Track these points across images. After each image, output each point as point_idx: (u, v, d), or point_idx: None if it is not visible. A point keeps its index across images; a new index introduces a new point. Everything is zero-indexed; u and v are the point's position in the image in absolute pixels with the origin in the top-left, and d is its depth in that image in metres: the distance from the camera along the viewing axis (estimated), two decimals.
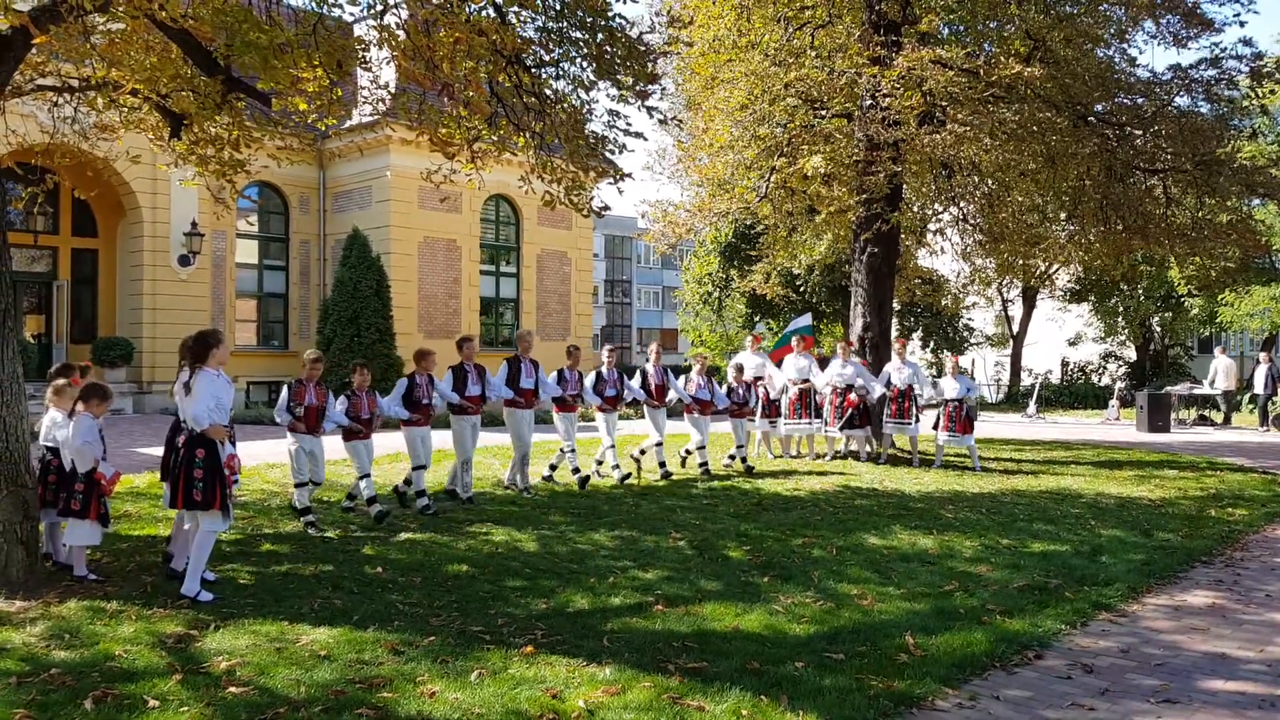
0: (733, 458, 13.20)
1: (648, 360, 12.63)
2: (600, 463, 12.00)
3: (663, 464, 12.27)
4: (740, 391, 13.13)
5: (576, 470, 11.30)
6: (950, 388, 13.34)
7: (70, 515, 6.67)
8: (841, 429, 13.80)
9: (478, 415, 10.28)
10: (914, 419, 13.50)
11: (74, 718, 4.19)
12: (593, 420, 12.30)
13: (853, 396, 13.67)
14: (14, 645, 5.16)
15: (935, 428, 13.58)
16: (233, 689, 4.56)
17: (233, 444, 6.69)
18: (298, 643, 5.28)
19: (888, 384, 13.60)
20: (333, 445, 9.68)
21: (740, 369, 13.44)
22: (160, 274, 22.66)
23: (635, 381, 12.36)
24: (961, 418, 13.18)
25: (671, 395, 12.46)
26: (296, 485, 8.88)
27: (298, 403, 8.72)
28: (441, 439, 10.53)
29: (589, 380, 11.70)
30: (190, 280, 23.12)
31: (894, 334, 19.88)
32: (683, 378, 13.03)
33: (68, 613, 5.78)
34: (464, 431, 10.13)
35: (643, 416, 13.67)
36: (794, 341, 14.67)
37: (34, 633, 5.38)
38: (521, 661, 5.03)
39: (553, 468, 11.89)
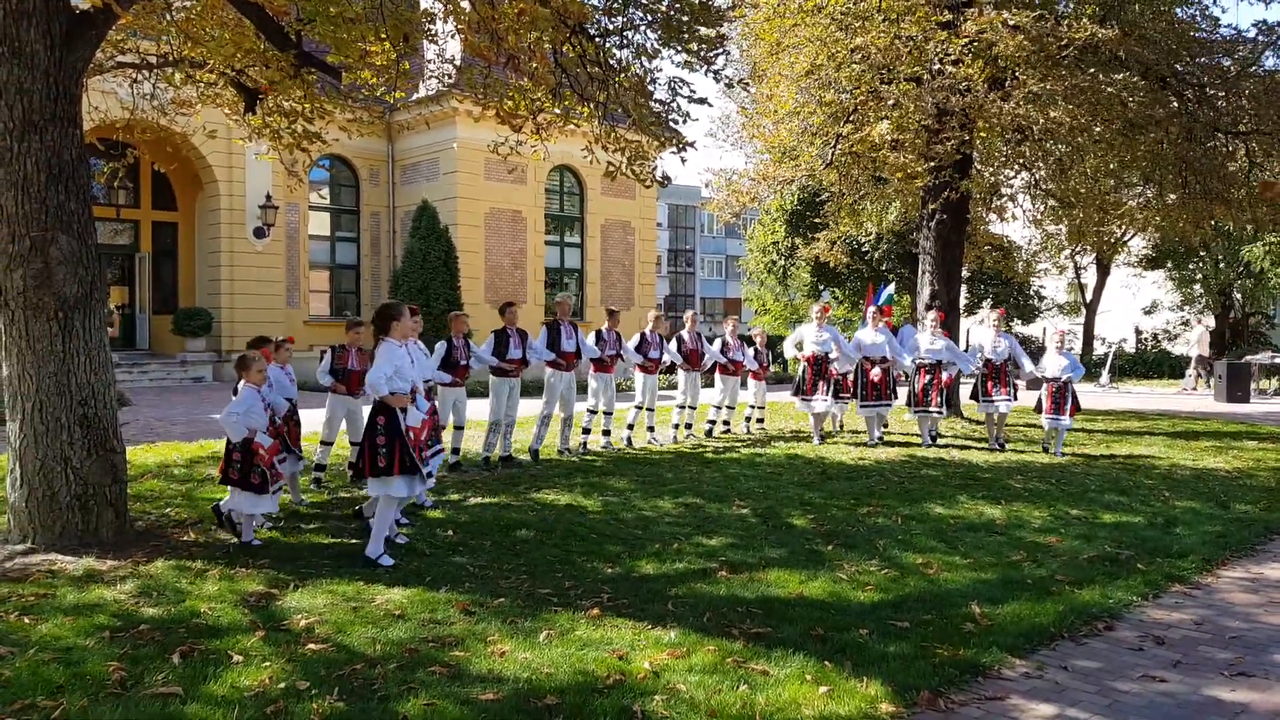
0: (748, 419, 13.84)
1: (683, 327, 12.87)
2: (631, 426, 12.24)
3: (688, 426, 12.83)
4: (764, 355, 13.71)
5: (606, 433, 11.78)
6: (1055, 365, 11.74)
7: (229, 483, 6.79)
8: (947, 410, 12.60)
9: (460, 389, 10.05)
10: (1009, 396, 12.13)
11: (163, 670, 4.38)
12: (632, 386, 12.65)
13: (946, 375, 12.28)
14: (106, 602, 5.41)
15: (1038, 410, 12.02)
16: (312, 646, 4.73)
17: (417, 408, 6.59)
18: (373, 602, 5.44)
19: (982, 359, 12.21)
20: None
21: (751, 336, 13.91)
22: (237, 246, 23.22)
23: (672, 345, 12.60)
24: (1067, 399, 11.63)
25: (706, 359, 12.84)
26: (322, 443, 9.16)
27: (340, 366, 8.96)
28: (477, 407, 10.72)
29: (631, 342, 11.99)
30: (265, 252, 23.64)
31: (962, 303, 19.53)
32: (717, 341, 13.30)
33: (155, 571, 6.03)
34: (446, 403, 9.96)
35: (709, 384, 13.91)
36: (869, 314, 13.01)
37: (124, 590, 5.63)
38: (588, 623, 5.13)
39: (625, 427, 12.25)
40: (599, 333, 11.59)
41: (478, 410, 11.76)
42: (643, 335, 12.17)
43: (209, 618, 5.15)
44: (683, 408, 12.83)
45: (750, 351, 13.57)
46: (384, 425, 6.29)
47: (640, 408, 12.32)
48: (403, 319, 6.51)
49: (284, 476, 7.24)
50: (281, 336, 8.44)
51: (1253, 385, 20.94)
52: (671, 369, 13.00)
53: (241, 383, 7.04)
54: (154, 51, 9.79)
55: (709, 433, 13.19)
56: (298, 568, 6.15)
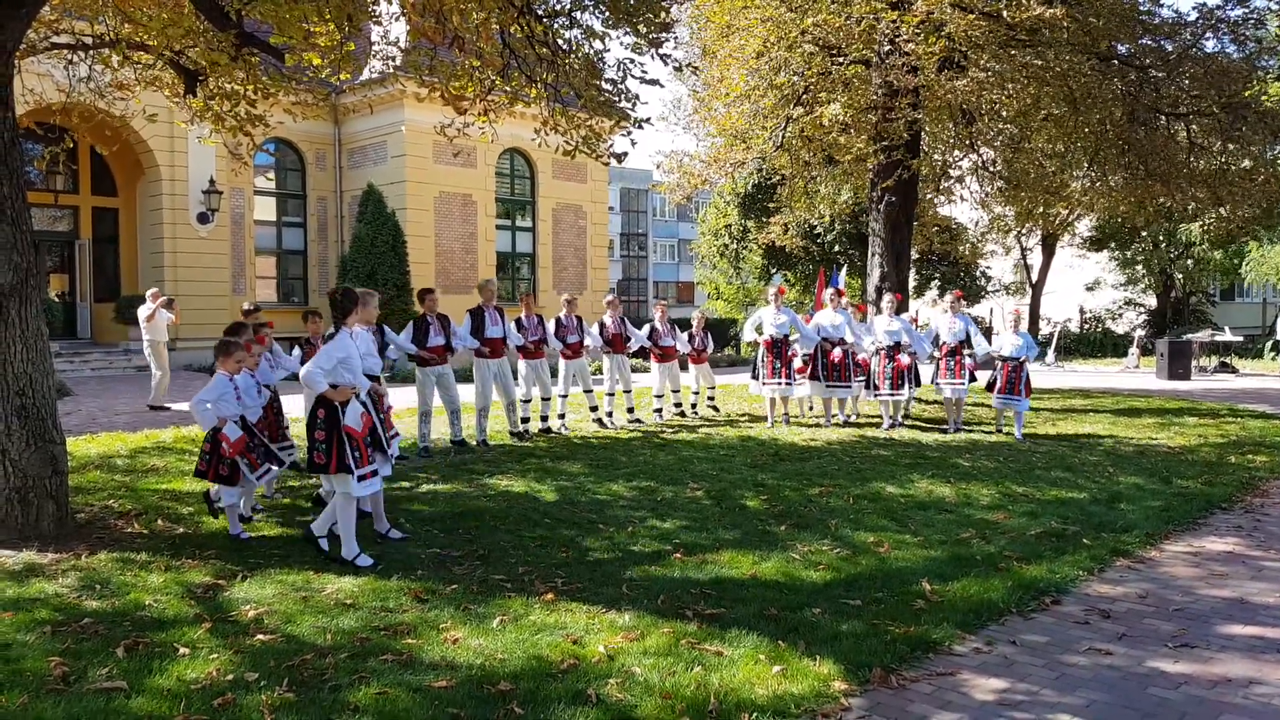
0: (694, 407, 13.75)
1: (607, 313, 12.79)
2: (562, 416, 12.13)
3: (630, 410, 12.79)
4: (700, 338, 13.48)
5: (544, 418, 11.80)
6: (1009, 345, 11.64)
7: (200, 475, 6.56)
8: (897, 391, 12.13)
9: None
10: (965, 378, 11.93)
11: (107, 665, 4.29)
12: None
13: (903, 358, 12.06)
14: (47, 596, 5.28)
15: (989, 389, 11.87)
16: (260, 637, 4.65)
17: (373, 399, 6.40)
18: (323, 591, 5.37)
19: (937, 340, 12.20)
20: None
21: (698, 319, 13.69)
22: (180, 232, 22.72)
23: (594, 329, 12.50)
24: (1022, 381, 11.50)
25: (632, 344, 12.70)
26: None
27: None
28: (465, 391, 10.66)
29: (549, 326, 11.86)
30: (210, 238, 23.18)
31: (911, 284, 19.74)
32: (646, 326, 13.14)
33: (98, 564, 5.90)
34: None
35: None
36: (827, 296, 13.00)
37: (66, 583, 5.50)
38: (542, 608, 5.11)
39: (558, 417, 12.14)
40: (519, 320, 11.45)
41: (405, 399, 11.99)
42: (557, 319, 12.01)
43: (154, 610, 5.05)
44: (612, 394, 12.61)
45: (684, 335, 13.35)
46: (322, 419, 5.99)
47: (564, 396, 12.18)
48: (365, 307, 6.30)
49: (260, 468, 6.76)
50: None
51: (1193, 363, 21.43)
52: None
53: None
54: (89, 32, 9.49)
55: (660, 415, 13.15)
56: (245, 558, 6.05)
